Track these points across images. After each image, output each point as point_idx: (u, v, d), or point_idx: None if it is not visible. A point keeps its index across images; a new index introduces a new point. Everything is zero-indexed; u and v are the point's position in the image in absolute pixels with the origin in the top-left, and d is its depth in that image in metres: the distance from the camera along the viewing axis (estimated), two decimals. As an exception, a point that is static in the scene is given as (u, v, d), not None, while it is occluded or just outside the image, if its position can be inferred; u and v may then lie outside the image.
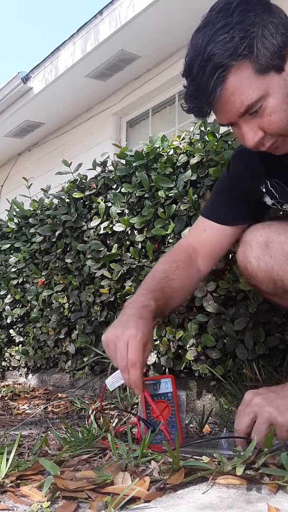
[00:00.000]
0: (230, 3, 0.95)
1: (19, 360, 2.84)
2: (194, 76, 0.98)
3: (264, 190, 1.26)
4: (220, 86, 0.96)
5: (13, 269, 2.84)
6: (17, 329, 2.87)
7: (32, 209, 2.85)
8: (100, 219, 2.22)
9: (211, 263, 1.37)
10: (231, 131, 1.18)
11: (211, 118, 1.13)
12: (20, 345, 2.82)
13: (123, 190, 2.08)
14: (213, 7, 0.98)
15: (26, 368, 2.80)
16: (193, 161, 1.77)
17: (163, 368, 1.86)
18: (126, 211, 2.09)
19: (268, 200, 1.27)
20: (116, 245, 2.11)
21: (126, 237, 2.08)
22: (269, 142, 1.04)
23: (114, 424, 1.34)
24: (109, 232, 2.16)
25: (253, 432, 0.98)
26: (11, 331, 2.90)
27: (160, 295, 1.21)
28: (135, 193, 2.02)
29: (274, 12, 0.97)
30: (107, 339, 1.12)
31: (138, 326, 1.08)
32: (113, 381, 1.15)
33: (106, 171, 2.31)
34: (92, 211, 2.34)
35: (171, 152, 1.94)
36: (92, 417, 1.33)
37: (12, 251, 2.94)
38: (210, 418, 1.50)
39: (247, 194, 1.29)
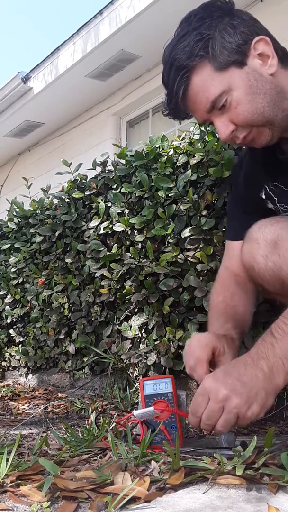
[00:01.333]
0: (190, 15, 1.07)
1: (19, 360, 2.84)
2: (165, 83, 1.10)
3: (264, 196, 1.25)
4: (184, 86, 1.06)
5: (13, 269, 2.84)
6: (17, 329, 2.87)
7: (32, 209, 2.85)
8: (100, 219, 2.22)
9: None
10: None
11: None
12: (20, 345, 2.82)
13: (123, 190, 2.08)
14: (180, 21, 1.09)
15: (26, 368, 2.80)
16: (193, 161, 1.77)
17: (163, 368, 1.86)
18: (126, 211, 2.09)
19: (270, 205, 1.26)
20: (116, 245, 2.11)
21: (126, 237, 2.08)
22: (242, 133, 1.08)
23: (113, 425, 1.33)
24: (109, 232, 2.16)
25: (220, 425, 0.93)
26: (11, 331, 2.90)
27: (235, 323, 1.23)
28: (135, 193, 2.02)
29: (234, 15, 1.06)
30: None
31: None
32: (143, 415, 1.14)
33: (106, 171, 2.31)
34: (92, 211, 2.34)
35: (171, 152, 1.94)
36: (92, 417, 1.33)
37: (12, 251, 2.94)
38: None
39: (254, 205, 1.28)
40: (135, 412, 1.14)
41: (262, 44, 1.05)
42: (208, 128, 1.79)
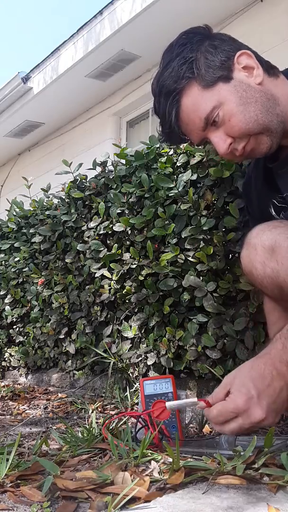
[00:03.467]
0: (171, 43, 1.12)
1: (19, 360, 2.84)
2: (157, 110, 1.14)
3: (273, 212, 1.25)
4: (175, 109, 1.10)
5: (13, 269, 2.84)
6: (17, 329, 2.87)
7: (32, 209, 2.85)
8: (100, 219, 2.22)
9: None
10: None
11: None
12: (20, 345, 2.82)
13: (123, 190, 2.08)
14: (163, 53, 1.13)
15: (26, 368, 2.80)
16: (193, 161, 1.77)
17: (163, 368, 1.86)
18: (126, 211, 2.09)
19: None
20: (116, 245, 2.11)
21: (126, 237, 2.08)
22: (240, 144, 1.10)
23: (114, 424, 1.33)
24: (109, 232, 2.16)
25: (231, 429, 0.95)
26: (11, 331, 2.90)
27: None
28: (135, 193, 2.02)
29: (214, 37, 1.11)
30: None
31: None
32: (175, 406, 1.10)
33: (106, 171, 2.31)
34: (92, 211, 2.34)
35: (171, 152, 1.94)
36: (92, 416, 1.33)
37: (12, 251, 2.94)
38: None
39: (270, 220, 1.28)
40: (168, 404, 1.07)
41: (245, 57, 1.09)
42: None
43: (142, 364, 1.95)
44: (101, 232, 2.19)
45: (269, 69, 1.13)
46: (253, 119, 1.07)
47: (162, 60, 1.12)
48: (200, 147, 1.77)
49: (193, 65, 1.07)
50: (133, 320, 2.04)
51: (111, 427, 1.26)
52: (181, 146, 1.91)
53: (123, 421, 1.34)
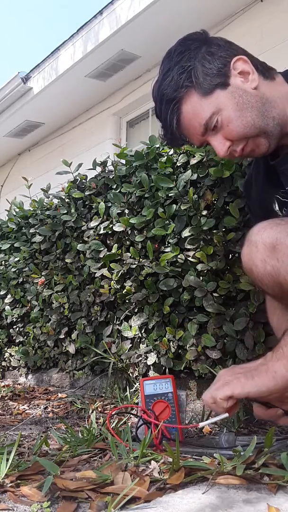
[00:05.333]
0: (170, 51, 1.17)
1: (19, 360, 2.84)
2: (159, 117, 1.20)
3: (277, 208, 1.25)
4: (176, 116, 1.15)
5: (13, 269, 2.84)
6: (17, 329, 2.87)
7: (32, 209, 2.85)
8: (100, 219, 2.22)
9: None
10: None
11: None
12: (20, 345, 2.82)
13: (123, 190, 2.08)
14: (162, 59, 1.18)
15: (26, 368, 2.81)
16: (193, 161, 1.77)
17: (163, 368, 1.86)
18: (126, 211, 2.09)
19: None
20: (116, 245, 2.11)
21: (126, 237, 2.08)
22: (239, 146, 1.15)
23: (114, 424, 1.34)
24: (109, 232, 2.16)
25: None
26: (11, 331, 2.90)
27: None
28: (135, 193, 2.02)
29: (211, 42, 1.16)
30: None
31: None
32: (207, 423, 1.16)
33: (106, 171, 2.31)
34: (92, 211, 2.34)
35: (171, 152, 1.94)
36: (92, 416, 1.33)
37: (12, 251, 2.94)
38: (210, 418, 1.50)
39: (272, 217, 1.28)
40: (202, 423, 1.14)
41: (240, 63, 1.14)
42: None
43: (142, 364, 1.95)
44: (101, 232, 2.19)
45: (265, 71, 1.16)
46: (250, 123, 1.12)
47: (162, 67, 1.17)
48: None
49: (192, 73, 1.13)
50: (133, 320, 2.04)
51: (111, 427, 1.26)
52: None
53: (123, 421, 1.34)
